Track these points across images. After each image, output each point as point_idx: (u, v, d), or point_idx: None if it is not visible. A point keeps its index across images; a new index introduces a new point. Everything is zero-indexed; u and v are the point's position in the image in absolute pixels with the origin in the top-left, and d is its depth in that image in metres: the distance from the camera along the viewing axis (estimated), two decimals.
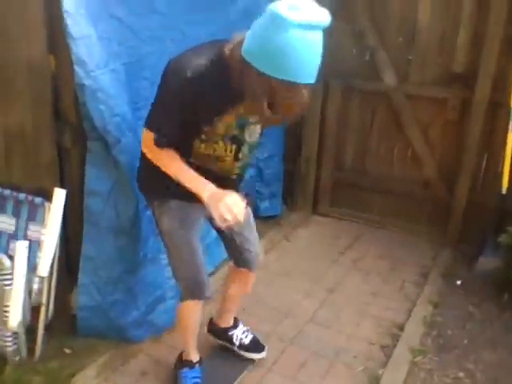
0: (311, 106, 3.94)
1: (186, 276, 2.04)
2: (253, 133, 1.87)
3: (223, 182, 1.81)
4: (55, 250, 2.24)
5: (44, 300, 2.26)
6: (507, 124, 3.33)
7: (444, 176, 3.78)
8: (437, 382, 2.40)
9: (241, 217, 1.67)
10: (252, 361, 2.45)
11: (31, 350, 2.28)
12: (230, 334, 2.45)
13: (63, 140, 2.27)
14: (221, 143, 1.81)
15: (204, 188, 1.72)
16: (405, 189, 3.92)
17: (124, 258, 2.37)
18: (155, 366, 2.43)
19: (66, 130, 2.26)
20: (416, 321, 2.85)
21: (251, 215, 2.19)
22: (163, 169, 1.80)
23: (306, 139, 4.09)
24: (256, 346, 2.46)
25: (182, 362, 2.26)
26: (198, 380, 2.22)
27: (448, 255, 3.62)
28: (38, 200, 2.28)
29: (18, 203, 2.34)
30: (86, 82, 2.06)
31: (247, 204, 1.90)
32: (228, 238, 2.17)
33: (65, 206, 2.23)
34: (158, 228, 2.04)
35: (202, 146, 1.81)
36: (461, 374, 2.45)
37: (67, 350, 2.39)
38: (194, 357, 2.26)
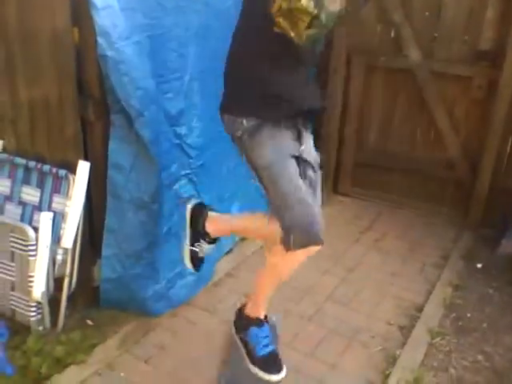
0: (334, 83, 3.90)
1: (296, 215, 1.64)
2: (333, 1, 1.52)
3: (293, 50, 1.62)
4: (79, 222, 2.26)
5: (67, 271, 2.29)
6: None
7: (467, 157, 3.71)
8: (455, 364, 2.39)
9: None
10: None
11: (54, 321, 2.32)
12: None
13: (87, 113, 2.27)
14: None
15: None
16: (427, 169, 3.86)
17: (147, 232, 2.38)
18: (173, 339, 2.45)
19: (90, 103, 2.26)
20: (435, 303, 2.84)
21: (318, 184, 1.87)
22: None
23: (328, 117, 4.04)
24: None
25: (248, 320, 1.98)
26: (270, 340, 1.96)
27: (469, 238, 3.58)
28: (62, 172, 2.29)
29: (42, 175, 2.35)
30: (109, 53, 2.05)
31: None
32: None
33: (88, 178, 2.24)
34: (253, 164, 1.74)
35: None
36: (479, 357, 2.44)
37: (89, 322, 2.43)
38: (263, 312, 2.00)
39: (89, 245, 2.44)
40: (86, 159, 2.28)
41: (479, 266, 3.23)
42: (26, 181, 2.40)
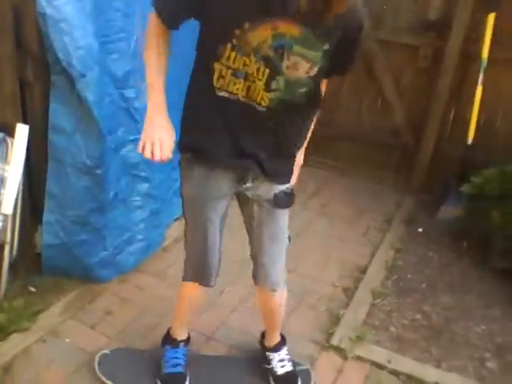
0: None
1: (193, 254, 1.83)
2: (294, 66, 1.47)
3: (248, 115, 1.54)
4: (19, 188, 2.18)
5: (8, 238, 2.21)
6: (477, 76, 3.36)
7: (412, 125, 3.82)
8: (395, 322, 2.51)
9: (161, 156, 1.52)
10: None
11: None
12: (267, 354, 2.10)
13: (25, 72, 2.16)
14: (253, 59, 1.46)
15: (154, 98, 1.54)
16: (373, 137, 3.96)
17: (91, 197, 2.32)
18: (121, 305, 2.45)
19: (28, 61, 2.14)
20: (378, 265, 2.95)
21: (280, 224, 1.78)
22: (146, 51, 1.55)
23: None
24: (288, 381, 2.07)
25: (166, 339, 2.08)
26: (180, 361, 2.02)
27: (411, 203, 3.72)
28: None
29: None
30: (48, 11, 1.95)
31: (279, 206, 1.72)
32: (248, 231, 1.85)
33: (28, 142, 2.16)
34: (180, 191, 1.78)
35: (233, 54, 1.47)
36: (418, 316, 2.57)
37: (32, 289, 2.37)
38: (179, 334, 2.06)
39: (30, 211, 2.36)
40: (25, 122, 2.18)
41: (420, 229, 3.37)
42: None
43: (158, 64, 1.54)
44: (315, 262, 2.96)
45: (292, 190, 1.78)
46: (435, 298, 2.70)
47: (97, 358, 2.06)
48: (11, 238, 2.23)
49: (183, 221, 1.82)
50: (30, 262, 2.41)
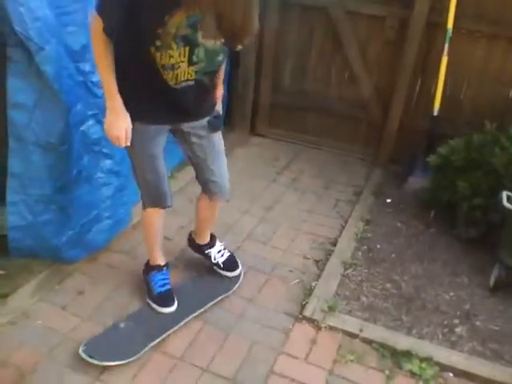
0: None
1: (147, 184, 2.11)
2: (208, 33, 1.76)
3: (180, 96, 1.90)
4: None
5: None
6: (443, 46, 3.37)
7: (379, 97, 3.83)
8: (366, 292, 2.55)
9: (118, 142, 1.87)
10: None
11: None
12: (206, 252, 2.53)
13: None
14: (174, 46, 1.76)
15: (111, 101, 1.83)
16: (341, 110, 3.95)
17: (55, 175, 2.25)
18: (92, 284, 2.42)
19: None
20: (348, 237, 2.98)
21: (217, 145, 2.18)
22: (96, 59, 1.80)
23: (243, 58, 3.97)
24: (230, 265, 2.54)
25: (149, 267, 2.36)
26: (166, 281, 2.33)
27: (379, 175, 3.75)
28: None
29: None
30: None
31: (213, 130, 2.12)
32: (193, 162, 2.22)
33: None
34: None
35: (158, 54, 1.77)
36: (388, 285, 2.62)
37: (0, 271, 2.31)
38: (161, 260, 2.36)
39: None
40: None
41: (388, 201, 3.41)
42: None
43: (109, 66, 1.78)
44: (286, 235, 2.98)
45: (219, 113, 2.17)
46: (404, 267, 2.75)
47: (81, 346, 2.03)
48: None
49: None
50: None
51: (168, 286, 2.33)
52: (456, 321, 2.40)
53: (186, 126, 2.07)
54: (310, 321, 2.32)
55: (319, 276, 2.62)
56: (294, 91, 4.08)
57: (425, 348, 2.20)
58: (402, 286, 2.61)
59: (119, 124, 1.85)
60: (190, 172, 2.47)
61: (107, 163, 2.51)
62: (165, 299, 2.29)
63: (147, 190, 2.14)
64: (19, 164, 2.21)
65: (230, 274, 2.52)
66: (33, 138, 2.16)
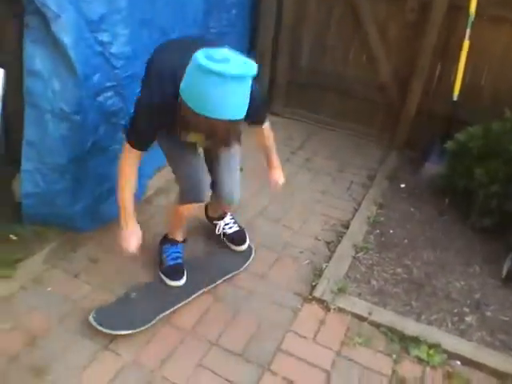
0: None
1: (184, 181, 2.15)
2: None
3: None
4: None
5: None
6: (465, 30, 3.30)
7: (398, 80, 3.76)
8: (376, 276, 2.54)
9: (131, 249, 2.00)
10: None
11: None
12: (214, 222, 2.61)
13: None
14: (198, 145, 2.11)
15: (128, 219, 2.02)
16: (359, 91, 3.89)
17: (70, 145, 2.24)
18: (105, 254, 2.43)
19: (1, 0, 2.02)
20: (360, 220, 2.96)
21: (233, 158, 2.26)
22: (119, 176, 2.01)
23: (261, 32, 3.91)
24: (237, 238, 2.58)
25: (166, 239, 2.39)
26: (179, 255, 2.36)
27: (394, 159, 3.71)
28: None
29: None
30: None
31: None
32: (206, 160, 2.26)
33: (4, 86, 2.05)
34: (160, 146, 2.15)
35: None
36: (399, 270, 2.60)
37: (13, 237, 2.32)
38: (179, 237, 2.39)
39: (7, 158, 2.27)
40: (4, 66, 2.07)
41: (402, 186, 3.38)
42: None
43: (129, 181, 2.00)
44: (298, 215, 2.97)
45: None
46: (416, 253, 2.74)
47: (91, 314, 2.05)
48: None
49: (164, 172, 1.90)
50: (10, 211, 2.34)
51: (180, 260, 2.35)
52: (466, 309, 2.39)
53: None
54: (320, 301, 2.32)
55: (330, 258, 2.62)
56: (311, 70, 4.02)
57: (433, 335, 2.20)
58: (414, 272, 2.59)
59: (132, 235, 2.01)
60: None
61: (124, 136, 2.49)
62: (175, 272, 2.31)
63: (182, 185, 2.17)
64: (35, 132, 2.20)
65: (234, 247, 2.56)
66: (48, 106, 2.15)
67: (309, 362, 2.03)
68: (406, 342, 2.16)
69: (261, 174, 3.25)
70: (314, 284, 2.41)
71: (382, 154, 3.78)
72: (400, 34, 3.67)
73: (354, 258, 2.64)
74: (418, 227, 2.97)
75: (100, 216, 2.50)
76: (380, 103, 3.89)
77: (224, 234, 2.59)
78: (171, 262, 2.33)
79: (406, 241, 2.84)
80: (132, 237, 2.00)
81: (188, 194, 2.16)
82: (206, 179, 2.17)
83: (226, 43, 1.85)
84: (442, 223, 3.02)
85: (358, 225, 2.91)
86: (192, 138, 1.96)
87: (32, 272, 2.21)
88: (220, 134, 1.69)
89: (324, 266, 2.54)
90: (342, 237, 2.79)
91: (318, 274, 2.49)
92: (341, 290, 2.36)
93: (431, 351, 2.13)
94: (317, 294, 2.34)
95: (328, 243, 2.76)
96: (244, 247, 2.56)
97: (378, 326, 2.22)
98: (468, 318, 2.34)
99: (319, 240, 2.78)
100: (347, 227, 2.88)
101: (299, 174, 3.41)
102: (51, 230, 2.40)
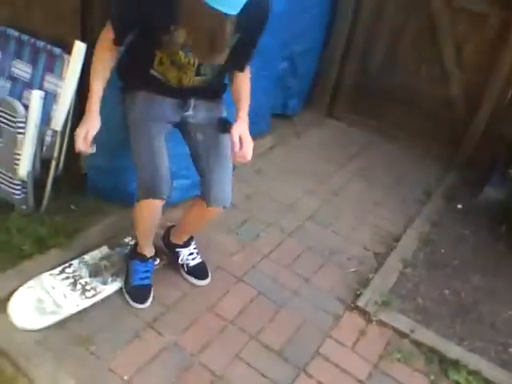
0: None
1: (142, 171, 1.89)
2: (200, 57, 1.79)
3: (180, 95, 1.96)
4: (71, 105, 2.17)
5: (55, 154, 2.23)
6: None
7: (468, 97, 3.67)
8: (422, 294, 2.49)
9: (80, 146, 1.80)
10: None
11: (38, 203, 2.30)
12: (177, 250, 2.29)
13: None
14: (181, 54, 1.81)
15: (89, 106, 1.83)
16: (425, 104, 3.81)
17: None
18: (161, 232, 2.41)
19: None
20: (412, 235, 2.91)
21: (222, 148, 2.02)
22: (93, 64, 1.85)
23: (333, 37, 3.89)
24: (199, 272, 2.30)
25: (134, 254, 2.15)
26: (148, 274, 2.14)
27: (454, 178, 3.62)
28: (56, 50, 2.18)
29: (35, 51, 2.23)
30: None
31: (225, 131, 1.99)
32: (195, 162, 2.08)
33: (84, 60, 2.13)
34: (125, 122, 2.01)
35: (164, 55, 1.83)
36: (446, 291, 2.55)
37: (73, 207, 2.42)
38: (148, 251, 2.15)
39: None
40: (84, 40, 2.15)
41: (460, 206, 3.29)
42: (18, 55, 2.28)
43: (101, 72, 1.84)
44: (348, 223, 2.94)
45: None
46: (466, 277, 2.67)
47: None
48: (58, 154, 2.25)
49: None
50: (74, 182, 2.43)
51: (147, 281, 2.13)
52: (511, 341, 2.32)
53: (192, 117, 2.03)
54: (362, 312, 2.30)
55: (377, 269, 2.59)
56: (379, 78, 3.97)
57: (474, 361, 2.14)
58: (461, 295, 2.53)
59: (84, 124, 1.82)
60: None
61: None
62: (140, 294, 2.11)
63: (142, 176, 1.89)
64: (105, 109, 2.26)
65: (196, 282, 2.27)
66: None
67: (345, 370, 2.02)
68: (446, 364, 2.12)
69: (314, 177, 3.27)
70: (358, 293, 2.39)
71: (441, 171, 3.70)
72: (476, 51, 3.58)
73: (402, 273, 2.60)
74: (470, 250, 2.89)
75: None
76: (446, 119, 3.80)
77: (187, 265, 2.28)
78: (137, 282, 2.11)
79: (456, 262, 2.77)
80: (88, 124, 1.81)
81: (144, 186, 1.88)
82: (166, 171, 1.90)
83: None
84: (495, 250, 2.93)
85: (409, 240, 2.86)
86: (176, 37, 1.73)
87: (88, 243, 2.27)
88: (205, 29, 1.50)
89: (370, 277, 2.52)
90: (391, 250, 2.76)
91: (364, 283, 2.47)
92: (385, 304, 2.33)
93: (470, 377, 2.08)
94: (360, 303, 2.32)
95: (376, 254, 2.72)
96: (207, 282, 2.29)
97: (418, 344, 2.19)
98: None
99: (368, 250, 2.75)
100: (397, 241, 2.84)
101: (354, 182, 3.38)
102: (111, 204, 2.46)
